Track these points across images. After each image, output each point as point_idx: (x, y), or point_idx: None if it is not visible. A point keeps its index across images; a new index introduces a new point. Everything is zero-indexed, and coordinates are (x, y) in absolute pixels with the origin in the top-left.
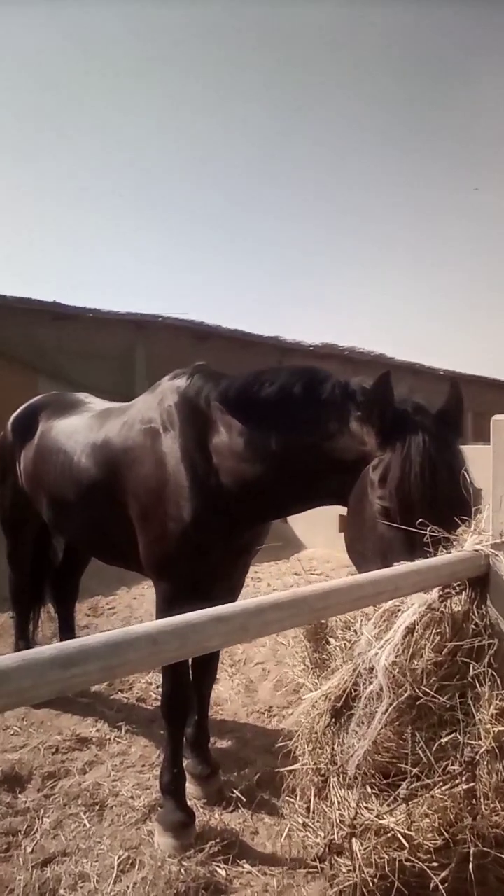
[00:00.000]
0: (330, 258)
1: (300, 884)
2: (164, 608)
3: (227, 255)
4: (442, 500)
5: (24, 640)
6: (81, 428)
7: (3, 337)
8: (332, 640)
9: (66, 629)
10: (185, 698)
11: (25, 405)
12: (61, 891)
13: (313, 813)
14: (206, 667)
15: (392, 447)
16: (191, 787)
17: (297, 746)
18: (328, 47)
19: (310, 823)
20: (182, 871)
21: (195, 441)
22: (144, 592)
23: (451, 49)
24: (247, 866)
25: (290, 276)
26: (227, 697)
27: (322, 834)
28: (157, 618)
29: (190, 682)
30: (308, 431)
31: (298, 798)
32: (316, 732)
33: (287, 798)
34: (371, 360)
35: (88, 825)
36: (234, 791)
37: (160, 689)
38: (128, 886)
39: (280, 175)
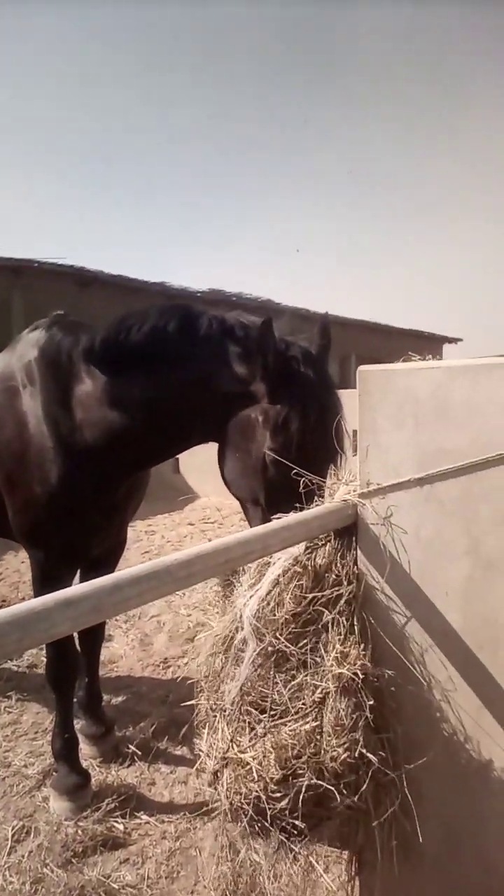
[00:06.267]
0: (211, 195)
1: (197, 826)
2: (40, 577)
3: (106, 195)
4: (328, 450)
5: None
6: None
7: None
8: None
9: None
10: (70, 663)
11: None
12: None
13: (210, 748)
14: (93, 628)
15: (285, 398)
16: (86, 748)
17: (199, 686)
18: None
19: (205, 757)
20: (79, 832)
21: (57, 396)
22: None
23: None
24: (144, 817)
25: (174, 216)
26: (122, 654)
27: (211, 764)
28: (34, 588)
29: (75, 646)
30: (186, 369)
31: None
32: (213, 671)
33: (196, 740)
34: (259, 306)
35: None
36: (130, 746)
37: None
38: (23, 856)
39: (156, 112)
